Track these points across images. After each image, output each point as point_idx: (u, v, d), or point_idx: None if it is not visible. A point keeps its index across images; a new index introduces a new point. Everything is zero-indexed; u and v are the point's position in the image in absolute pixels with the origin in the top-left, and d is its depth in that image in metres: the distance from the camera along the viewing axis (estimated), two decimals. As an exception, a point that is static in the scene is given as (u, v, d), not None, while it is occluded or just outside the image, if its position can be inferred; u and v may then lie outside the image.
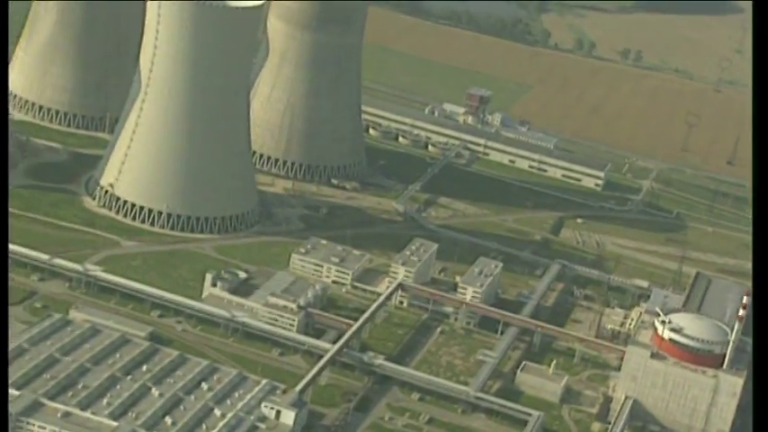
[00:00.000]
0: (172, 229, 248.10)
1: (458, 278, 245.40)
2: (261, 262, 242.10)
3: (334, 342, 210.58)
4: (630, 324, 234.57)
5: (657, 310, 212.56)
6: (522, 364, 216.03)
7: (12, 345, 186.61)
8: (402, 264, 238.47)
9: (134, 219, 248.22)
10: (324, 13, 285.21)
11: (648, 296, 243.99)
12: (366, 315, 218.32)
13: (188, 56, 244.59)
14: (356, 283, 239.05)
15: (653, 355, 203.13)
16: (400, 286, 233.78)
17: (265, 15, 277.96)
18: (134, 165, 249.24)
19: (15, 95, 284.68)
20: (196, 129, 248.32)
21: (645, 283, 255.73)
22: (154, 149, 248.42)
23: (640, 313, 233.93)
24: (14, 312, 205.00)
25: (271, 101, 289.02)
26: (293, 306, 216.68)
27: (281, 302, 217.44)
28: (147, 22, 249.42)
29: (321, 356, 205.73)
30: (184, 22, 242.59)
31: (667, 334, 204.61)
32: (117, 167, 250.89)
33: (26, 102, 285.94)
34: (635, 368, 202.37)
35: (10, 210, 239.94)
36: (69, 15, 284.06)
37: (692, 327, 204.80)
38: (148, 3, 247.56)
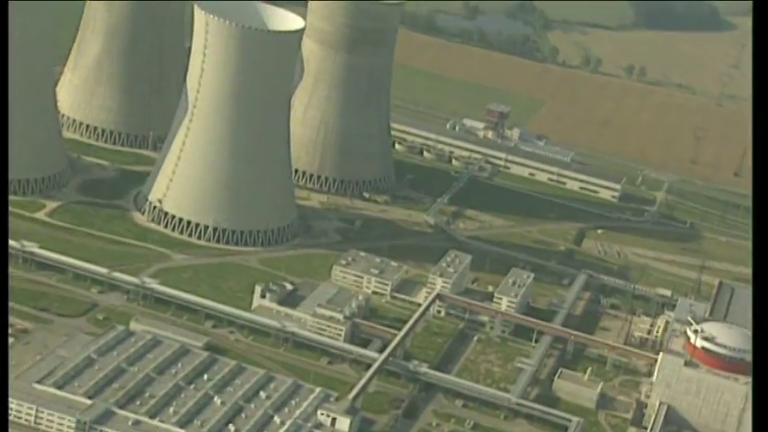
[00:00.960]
0: (218, 242, 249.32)
1: (490, 288, 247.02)
2: (303, 273, 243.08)
3: (380, 351, 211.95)
4: (657, 332, 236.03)
5: (689, 319, 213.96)
6: (558, 371, 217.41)
7: (80, 356, 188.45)
8: (440, 275, 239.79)
9: (181, 233, 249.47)
10: (357, 36, 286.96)
11: (672, 305, 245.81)
12: (409, 325, 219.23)
13: (233, 78, 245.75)
14: (395, 294, 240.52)
15: (686, 363, 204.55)
16: (438, 296, 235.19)
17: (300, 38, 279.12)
18: (181, 181, 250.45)
19: (64, 115, 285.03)
20: (240, 147, 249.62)
21: (668, 292, 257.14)
22: (200, 167, 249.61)
23: (666, 321, 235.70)
24: (78, 324, 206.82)
25: (306, 119, 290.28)
26: (340, 316, 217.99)
27: (329, 313, 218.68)
28: (193, 47, 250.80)
29: (368, 365, 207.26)
30: (230, 47, 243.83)
31: (700, 342, 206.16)
32: (165, 184, 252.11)
33: (74, 121, 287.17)
34: (669, 375, 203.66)
35: (66, 225, 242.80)
36: (115, 41, 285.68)
37: (723, 335, 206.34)
38: (195, 28, 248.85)
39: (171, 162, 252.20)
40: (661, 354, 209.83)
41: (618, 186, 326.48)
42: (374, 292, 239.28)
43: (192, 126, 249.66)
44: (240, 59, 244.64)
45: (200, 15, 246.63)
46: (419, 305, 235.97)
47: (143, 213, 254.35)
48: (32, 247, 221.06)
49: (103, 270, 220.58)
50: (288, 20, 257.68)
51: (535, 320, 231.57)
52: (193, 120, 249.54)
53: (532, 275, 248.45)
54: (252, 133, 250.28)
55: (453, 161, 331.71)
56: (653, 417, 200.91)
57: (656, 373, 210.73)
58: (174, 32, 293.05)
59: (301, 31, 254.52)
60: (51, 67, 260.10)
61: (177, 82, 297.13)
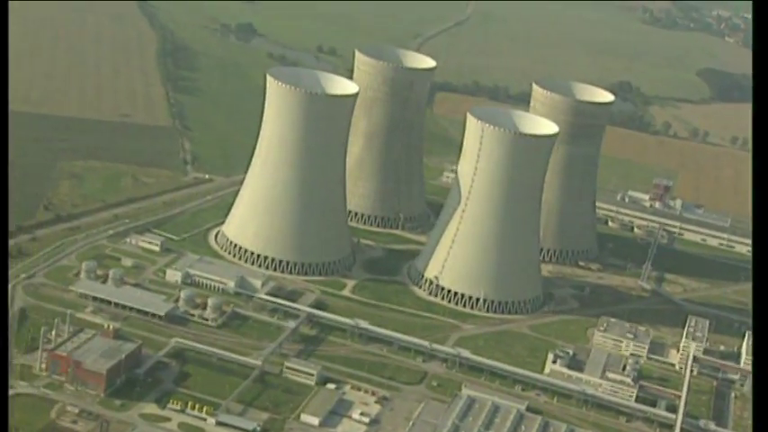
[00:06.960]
0: (487, 311, 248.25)
1: (722, 347, 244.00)
2: (564, 337, 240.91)
3: (668, 410, 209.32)
4: None
5: None
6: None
7: (447, 422, 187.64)
8: (692, 339, 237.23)
9: (456, 304, 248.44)
10: (575, 131, 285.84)
11: None
12: (686, 385, 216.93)
13: (503, 175, 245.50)
14: (650, 355, 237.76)
15: None
16: (694, 359, 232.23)
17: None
18: (455, 260, 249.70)
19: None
20: (506, 232, 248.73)
21: None
22: (472, 249, 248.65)
23: None
24: (420, 390, 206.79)
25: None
26: (629, 380, 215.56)
27: (618, 377, 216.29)
28: (466, 146, 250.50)
29: (659, 422, 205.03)
30: (502, 148, 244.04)
31: None
32: (441, 262, 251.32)
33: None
34: None
35: (368, 300, 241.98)
36: (373, 142, 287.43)
37: None
38: (468, 132, 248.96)
39: (446, 244, 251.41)
40: None
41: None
42: (632, 354, 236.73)
43: (465, 215, 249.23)
44: (511, 159, 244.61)
45: (473, 122, 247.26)
46: (672, 365, 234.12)
47: (420, 287, 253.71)
48: (365, 324, 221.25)
49: (425, 343, 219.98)
50: (540, 123, 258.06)
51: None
52: (466, 209, 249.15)
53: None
54: (515, 220, 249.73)
55: (635, 229, 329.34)
56: None
57: None
58: (418, 131, 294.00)
59: (557, 134, 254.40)
60: (345, 170, 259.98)
61: (419, 171, 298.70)
